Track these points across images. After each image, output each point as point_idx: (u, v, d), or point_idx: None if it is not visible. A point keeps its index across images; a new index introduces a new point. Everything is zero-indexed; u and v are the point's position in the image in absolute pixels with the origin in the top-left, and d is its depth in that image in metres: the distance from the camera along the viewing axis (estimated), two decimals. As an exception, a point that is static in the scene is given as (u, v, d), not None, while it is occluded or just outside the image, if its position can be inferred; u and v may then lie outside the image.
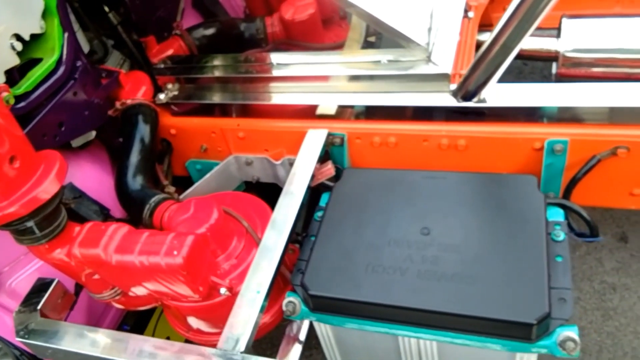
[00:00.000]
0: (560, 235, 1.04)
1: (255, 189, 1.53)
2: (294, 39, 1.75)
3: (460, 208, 1.08)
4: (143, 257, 1.03)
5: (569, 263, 0.99)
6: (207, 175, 1.43)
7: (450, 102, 1.20)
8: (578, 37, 1.55)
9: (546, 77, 2.30)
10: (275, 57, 1.40)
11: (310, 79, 1.35)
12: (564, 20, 1.57)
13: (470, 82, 1.14)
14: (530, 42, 1.70)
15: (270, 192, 1.33)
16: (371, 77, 1.28)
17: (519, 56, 1.75)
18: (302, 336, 1.19)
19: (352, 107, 1.33)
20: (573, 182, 1.15)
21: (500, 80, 1.22)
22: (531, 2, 0.97)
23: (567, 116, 1.15)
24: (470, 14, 1.49)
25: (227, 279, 1.12)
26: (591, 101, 1.12)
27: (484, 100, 1.18)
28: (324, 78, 1.34)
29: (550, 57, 1.60)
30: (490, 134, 1.19)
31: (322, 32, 1.74)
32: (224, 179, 1.48)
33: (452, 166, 1.25)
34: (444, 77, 1.19)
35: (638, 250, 1.72)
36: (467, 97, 1.17)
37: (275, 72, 1.38)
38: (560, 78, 1.61)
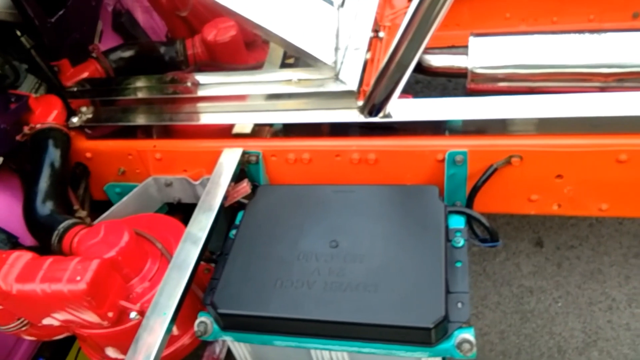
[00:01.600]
0: (460, 241, 1.09)
1: (182, 211, 1.52)
2: (217, 61, 1.77)
3: (367, 220, 1.11)
4: (45, 284, 1.00)
5: (467, 268, 1.04)
6: (125, 198, 1.41)
7: (358, 118, 1.24)
8: (485, 54, 1.64)
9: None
10: (192, 78, 1.41)
11: (226, 99, 1.37)
12: (472, 39, 1.66)
13: (374, 98, 1.18)
14: (442, 60, 1.79)
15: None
16: (283, 96, 1.31)
17: (435, 73, 1.84)
18: (222, 356, 1.19)
19: (269, 125, 1.35)
20: (474, 191, 1.21)
21: (417, 96, 1.29)
22: (418, 24, 1.02)
23: (466, 128, 1.21)
24: (381, 34, 1.55)
25: (140, 302, 1.11)
26: (487, 113, 1.19)
27: (389, 115, 1.23)
28: (240, 97, 1.36)
29: (462, 74, 1.69)
30: (397, 148, 1.23)
31: (244, 53, 1.77)
32: (144, 201, 1.46)
33: (364, 179, 1.29)
34: (350, 94, 1.24)
35: (552, 254, 1.81)
36: (373, 113, 1.22)
37: (191, 93, 1.38)
38: (471, 93, 1.70)
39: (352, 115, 1.25)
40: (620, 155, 1.12)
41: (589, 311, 1.64)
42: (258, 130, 1.36)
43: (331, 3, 1.27)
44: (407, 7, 1.80)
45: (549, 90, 1.62)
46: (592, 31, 1.57)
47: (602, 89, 1.56)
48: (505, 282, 1.77)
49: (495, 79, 1.63)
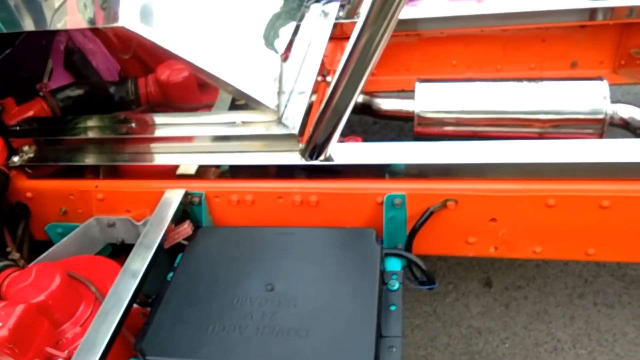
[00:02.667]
0: (396, 284, 1.10)
1: (126, 252, 1.49)
2: (170, 101, 1.78)
3: (304, 263, 1.11)
4: (-34, 331, 0.96)
5: (401, 312, 1.05)
6: (65, 239, 1.38)
7: (299, 161, 1.26)
8: (430, 99, 1.71)
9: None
10: (138, 118, 1.41)
11: (172, 140, 1.38)
12: (418, 84, 1.73)
13: (314, 141, 1.21)
14: (392, 104, 1.86)
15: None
16: (227, 138, 1.32)
17: (385, 116, 1.90)
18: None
19: (215, 166, 1.36)
20: (412, 234, 1.23)
21: (367, 140, 1.31)
22: (351, 70, 1.06)
23: (405, 172, 1.24)
24: (329, 78, 1.60)
25: (69, 349, 1.07)
26: (424, 158, 1.23)
27: (330, 159, 1.25)
28: (185, 139, 1.37)
29: (410, 117, 1.75)
30: (337, 190, 1.25)
31: (197, 94, 1.78)
32: (85, 242, 1.43)
33: (307, 221, 1.30)
34: (292, 137, 1.26)
35: (501, 294, 1.84)
36: (314, 156, 1.24)
37: (136, 133, 1.39)
38: (418, 136, 1.75)
39: (294, 158, 1.27)
40: (548, 200, 1.16)
41: (535, 352, 1.65)
42: (203, 172, 1.36)
43: (276, 50, 1.30)
44: (358, 52, 1.87)
45: (491, 134, 1.68)
46: (530, 79, 1.65)
47: (540, 135, 1.64)
48: (454, 322, 1.78)
49: (440, 123, 1.69)
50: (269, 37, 1.32)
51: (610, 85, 1.90)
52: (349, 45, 1.03)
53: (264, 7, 1.41)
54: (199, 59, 1.21)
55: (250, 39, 1.26)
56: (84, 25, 1.22)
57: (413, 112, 1.72)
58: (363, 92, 1.94)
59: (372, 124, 2.56)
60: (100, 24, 1.19)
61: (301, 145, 1.27)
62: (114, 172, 1.40)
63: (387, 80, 2.03)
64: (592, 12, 1.75)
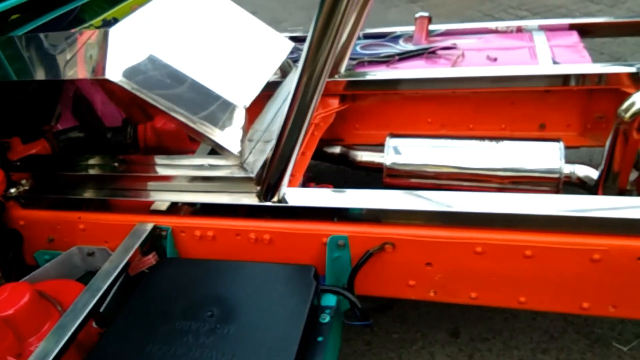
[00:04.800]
0: (326, 318, 1.19)
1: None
2: (164, 146, 1.97)
3: (246, 293, 1.22)
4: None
5: (325, 343, 1.13)
6: (47, 264, 1.53)
7: (254, 201, 1.39)
8: (398, 152, 1.84)
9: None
10: (122, 159, 1.58)
11: (149, 179, 1.53)
12: (388, 139, 1.86)
13: (266, 184, 1.34)
14: (366, 156, 1.99)
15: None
16: (197, 179, 1.47)
17: (360, 167, 2.03)
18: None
19: (187, 204, 1.50)
20: (353, 273, 1.33)
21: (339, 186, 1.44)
22: (292, 120, 1.20)
23: (349, 216, 1.35)
24: (300, 130, 1.75)
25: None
26: (366, 203, 1.34)
27: (284, 201, 1.38)
28: (161, 178, 1.53)
29: (381, 169, 1.88)
30: (287, 230, 1.37)
31: (187, 140, 1.97)
32: (66, 269, 1.57)
33: (261, 257, 1.41)
34: (250, 180, 1.40)
35: (466, 345, 1.87)
36: (267, 198, 1.37)
37: (119, 172, 1.55)
38: (387, 186, 1.87)
39: (252, 199, 1.40)
40: (476, 248, 1.25)
41: (493, 404, 1.67)
42: (177, 208, 1.51)
43: (244, 102, 1.46)
44: (339, 107, 2.04)
45: (454, 188, 1.79)
46: (492, 138, 1.76)
47: (499, 190, 1.73)
48: (417, 370, 1.81)
49: (406, 175, 1.81)
50: (239, 89, 1.49)
51: (577, 147, 2.00)
52: (289, 98, 1.17)
53: (238, 59, 1.60)
54: (173, 108, 1.38)
55: (221, 90, 1.43)
56: (75, 76, 1.40)
57: (382, 164, 1.85)
58: (341, 145, 2.10)
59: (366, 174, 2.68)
60: (87, 76, 1.38)
61: (258, 188, 1.40)
62: (98, 206, 1.56)
63: (369, 134, 2.18)
64: (556, 79, 1.87)
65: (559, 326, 1.88)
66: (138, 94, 1.37)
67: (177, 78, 1.42)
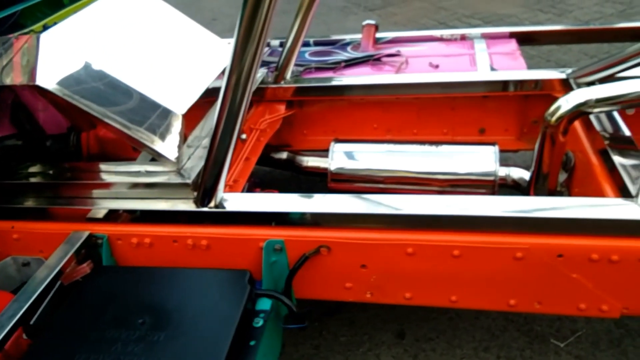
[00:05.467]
0: (260, 322, 1.19)
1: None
2: (106, 153, 1.94)
3: (180, 299, 1.22)
4: None
5: (257, 347, 1.14)
6: (-20, 276, 1.49)
7: (191, 207, 1.39)
8: (342, 157, 1.86)
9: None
10: (58, 166, 1.56)
11: (86, 186, 1.51)
12: (333, 144, 1.89)
13: (201, 191, 1.34)
14: (313, 161, 2.01)
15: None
16: (134, 185, 1.46)
17: (307, 172, 2.04)
18: None
19: (125, 211, 1.48)
20: (289, 277, 1.34)
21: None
22: (223, 124, 1.21)
23: (285, 220, 1.36)
24: (243, 136, 1.76)
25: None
26: (302, 207, 1.35)
27: (221, 206, 1.38)
28: (98, 185, 1.51)
29: (326, 173, 1.90)
30: (223, 235, 1.37)
31: (131, 148, 1.95)
32: (1, 280, 1.53)
33: (199, 263, 1.41)
34: (187, 186, 1.40)
35: (411, 345, 1.91)
36: (204, 204, 1.37)
37: (55, 179, 1.52)
38: (332, 191, 1.89)
39: (188, 204, 1.40)
40: (407, 249, 1.28)
41: (436, 402, 1.71)
42: (115, 216, 1.49)
43: (181, 109, 1.46)
44: (285, 113, 2.06)
45: (396, 191, 1.83)
46: (432, 143, 1.81)
47: (439, 193, 1.78)
48: (363, 372, 1.84)
49: (350, 179, 1.84)
50: (176, 95, 1.48)
51: (515, 151, 2.07)
52: (217, 105, 1.18)
53: (176, 65, 1.60)
54: (106, 115, 1.37)
55: (157, 97, 1.43)
56: (11, 82, 1.38)
57: (327, 169, 1.87)
58: (288, 150, 2.12)
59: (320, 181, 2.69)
60: (20, 82, 1.36)
61: (195, 194, 1.40)
62: (32, 215, 1.53)
63: (317, 140, 2.20)
64: (494, 85, 1.94)
65: (500, 325, 1.93)
66: (70, 100, 1.36)
67: (112, 84, 1.41)
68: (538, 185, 1.63)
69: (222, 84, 1.15)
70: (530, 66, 2.13)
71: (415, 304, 1.38)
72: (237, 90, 1.14)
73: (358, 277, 1.35)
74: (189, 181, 1.38)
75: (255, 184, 1.93)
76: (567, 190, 1.66)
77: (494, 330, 1.92)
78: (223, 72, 1.83)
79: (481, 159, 1.75)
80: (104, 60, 1.43)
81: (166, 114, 1.42)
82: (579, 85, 1.73)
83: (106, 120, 1.38)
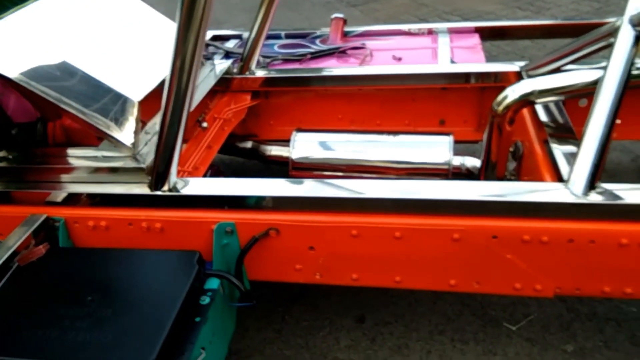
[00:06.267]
0: (206, 300, 1.24)
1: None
2: (73, 142, 1.97)
3: (128, 279, 1.26)
4: None
5: (203, 323, 1.19)
6: None
7: (145, 191, 1.43)
8: (304, 147, 1.91)
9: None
10: (21, 152, 1.59)
11: (47, 171, 1.55)
12: (294, 133, 1.94)
13: (154, 175, 1.39)
14: (276, 150, 2.06)
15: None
16: (93, 170, 1.50)
17: (270, 161, 2.09)
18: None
19: (81, 194, 1.52)
20: (240, 259, 1.39)
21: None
22: (171, 111, 1.25)
23: (236, 204, 1.41)
24: (205, 125, 1.80)
25: None
26: (252, 191, 1.40)
27: (175, 190, 1.43)
28: (59, 170, 1.54)
29: (289, 162, 1.95)
30: (176, 218, 1.42)
31: (95, 137, 1.98)
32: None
33: (154, 245, 1.45)
34: (142, 171, 1.44)
35: (370, 329, 1.96)
36: (157, 187, 1.41)
37: (15, 164, 1.56)
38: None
39: (143, 188, 1.44)
40: (352, 231, 1.33)
41: (390, 382, 1.77)
42: (73, 200, 1.53)
43: (137, 95, 1.50)
44: (249, 103, 2.10)
45: (355, 179, 1.87)
46: (390, 132, 1.86)
47: (396, 181, 1.83)
48: (322, 354, 1.89)
49: (310, 168, 1.89)
50: (134, 83, 1.52)
51: (475, 141, 2.13)
52: (164, 93, 1.23)
53: (136, 54, 1.63)
54: (61, 100, 1.41)
55: (114, 84, 1.47)
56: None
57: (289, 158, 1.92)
58: (253, 140, 2.16)
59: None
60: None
61: (150, 178, 1.44)
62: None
63: (284, 130, 2.25)
64: (452, 77, 2.00)
65: (457, 309, 2.00)
66: (26, 86, 1.39)
67: (69, 71, 1.45)
68: (488, 173, 1.69)
69: (168, 72, 1.20)
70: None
71: (361, 284, 1.43)
72: (182, 78, 1.18)
73: (307, 258, 1.40)
74: (144, 166, 1.42)
75: (219, 172, 1.98)
76: (516, 177, 1.72)
77: (450, 315, 1.98)
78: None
79: (436, 149, 1.81)
80: (62, 47, 1.47)
81: (123, 100, 1.46)
82: (530, 77, 1.79)
83: (62, 106, 1.42)
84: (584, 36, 1.57)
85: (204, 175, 1.78)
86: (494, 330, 1.90)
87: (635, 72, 1.33)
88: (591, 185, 1.21)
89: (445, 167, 1.79)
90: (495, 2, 5.14)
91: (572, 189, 1.22)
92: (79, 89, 1.45)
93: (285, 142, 2.18)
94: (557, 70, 1.69)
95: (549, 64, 1.73)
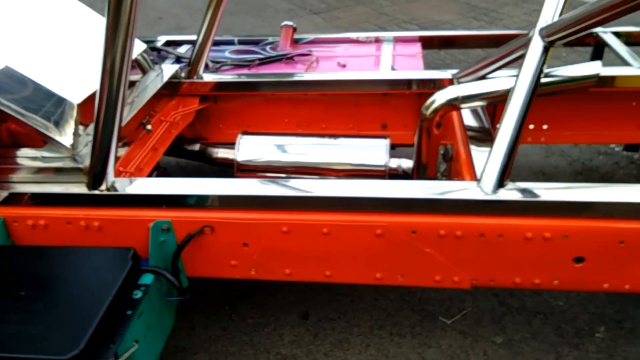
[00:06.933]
0: (139, 294, 1.29)
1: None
2: (19, 144, 1.99)
3: (64, 275, 1.30)
4: None
5: (135, 316, 1.24)
6: None
7: (84, 190, 1.47)
8: (249, 149, 1.98)
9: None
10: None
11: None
12: (240, 136, 2.00)
13: (92, 175, 1.43)
14: (222, 153, 2.12)
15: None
16: (35, 170, 1.53)
17: (218, 163, 2.14)
18: None
19: (21, 194, 1.54)
20: (175, 255, 1.44)
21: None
22: (103, 119, 1.30)
23: (172, 202, 1.46)
24: (149, 127, 1.85)
25: None
26: (186, 190, 1.45)
27: (113, 189, 1.47)
28: (3, 171, 1.56)
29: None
30: (115, 217, 1.46)
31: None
32: None
33: (93, 243, 1.49)
34: (80, 171, 1.48)
35: (313, 325, 2.03)
36: (95, 187, 1.45)
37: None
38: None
39: (81, 188, 1.48)
40: (283, 228, 1.40)
41: (329, 375, 1.84)
42: (13, 199, 1.55)
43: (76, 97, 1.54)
44: (197, 106, 2.15)
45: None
46: (330, 136, 1.95)
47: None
48: (265, 350, 1.95)
49: (254, 169, 1.95)
50: (74, 86, 1.57)
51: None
52: (97, 95, 1.28)
53: (78, 57, 1.67)
54: (3, 104, 1.44)
55: (53, 87, 1.51)
56: None
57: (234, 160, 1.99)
58: (201, 142, 2.22)
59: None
60: None
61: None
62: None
63: (233, 133, 2.29)
64: (391, 84, 2.10)
65: (397, 305, 2.09)
66: (-34, 88, 1.42)
67: (9, 75, 1.48)
68: (419, 174, 1.79)
69: (98, 75, 1.25)
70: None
71: (295, 279, 1.50)
72: (112, 80, 1.24)
73: (241, 255, 1.46)
74: (82, 166, 1.47)
75: (165, 173, 2.03)
76: (447, 177, 1.83)
77: (390, 310, 2.07)
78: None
79: (373, 152, 1.90)
80: (2, 51, 1.50)
81: (62, 103, 1.50)
82: (459, 84, 1.90)
83: (3, 109, 1.45)
84: (505, 45, 1.68)
85: (150, 176, 1.82)
86: (430, 324, 2.00)
87: (544, 80, 1.45)
88: (500, 184, 1.32)
89: (382, 168, 1.88)
90: (452, 12, 5.33)
91: (482, 187, 1.32)
92: (19, 92, 1.48)
93: (233, 144, 2.25)
94: (484, 77, 1.80)
95: (477, 71, 1.85)
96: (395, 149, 2.19)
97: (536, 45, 1.43)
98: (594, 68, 1.45)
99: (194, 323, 2.06)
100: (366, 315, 2.06)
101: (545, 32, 1.42)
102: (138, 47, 1.93)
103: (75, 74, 1.59)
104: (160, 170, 1.98)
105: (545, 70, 1.45)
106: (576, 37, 1.35)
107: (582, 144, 2.96)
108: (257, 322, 2.06)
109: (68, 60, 1.63)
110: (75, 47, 1.71)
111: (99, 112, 1.29)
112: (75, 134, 1.50)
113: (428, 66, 2.30)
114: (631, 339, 1.89)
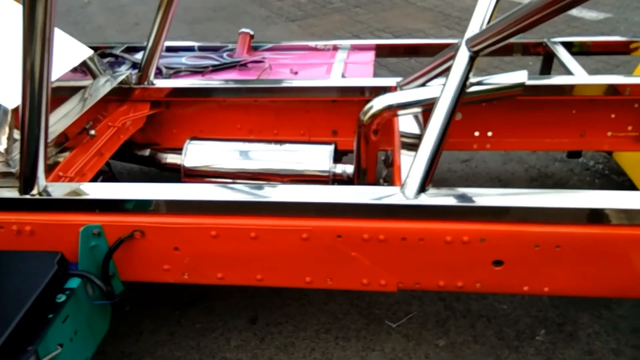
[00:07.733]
0: (62, 298, 1.30)
1: None
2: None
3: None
4: None
5: (58, 320, 1.24)
6: None
7: (15, 195, 1.48)
8: (196, 154, 1.99)
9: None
10: None
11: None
12: (187, 141, 2.02)
13: (22, 179, 1.44)
14: (171, 158, 2.13)
15: None
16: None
17: (166, 168, 2.16)
18: None
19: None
20: (106, 260, 1.45)
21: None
22: (28, 124, 1.31)
23: (104, 207, 1.47)
24: (92, 132, 1.86)
25: None
26: (117, 195, 1.47)
27: (44, 194, 1.48)
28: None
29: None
30: (45, 221, 1.47)
31: None
32: None
33: (26, 248, 1.49)
34: (12, 175, 1.49)
35: (261, 329, 2.04)
36: (26, 191, 1.46)
37: None
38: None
39: (13, 192, 1.49)
40: (212, 232, 1.42)
41: (271, 379, 1.85)
42: None
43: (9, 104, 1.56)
44: (147, 112, 2.16)
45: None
46: (276, 142, 1.97)
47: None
48: (211, 354, 1.96)
49: (201, 175, 1.97)
50: (9, 91, 1.58)
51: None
52: (21, 99, 1.29)
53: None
54: None
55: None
56: None
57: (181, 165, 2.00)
58: (151, 148, 2.23)
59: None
60: None
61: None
62: None
63: (185, 139, 2.32)
64: (340, 91, 2.13)
65: (345, 309, 2.11)
66: None
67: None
68: (360, 180, 1.82)
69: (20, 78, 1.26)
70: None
71: (226, 283, 1.52)
72: (34, 83, 1.25)
73: (173, 259, 1.48)
74: (14, 170, 1.47)
75: (112, 177, 2.04)
76: (389, 183, 1.85)
77: (337, 314, 2.09)
78: (72, 71, 1.94)
79: (317, 158, 1.93)
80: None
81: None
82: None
83: None
84: (440, 54, 1.72)
85: (94, 181, 1.83)
86: (376, 327, 2.02)
87: (471, 89, 1.48)
88: (422, 189, 1.35)
89: (326, 174, 1.91)
90: (425, 20, 5.40)
91: (405, 192, 1.35)
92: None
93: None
94: (424, 84, 1.84)
95: (418, 78, 1.88)
96: (347, 155, 2.22)
97: (462, 55, 1.47)
98: (520, 77, 1.49)
99: (143, 328, 2.06)
100: (314, 319, 2.07)
101: (471, 43, 1.46)
102: (85, 53, 1.94)
103: (9, 78, 1.60)
104: (108, 175, 1.99)
105: (474, 79, 1.49)
106: (498, 46, 1.39)
107: (539, 151, 3.01)
108: (205, 327, 2.07)
109: (2, 65, 1.64)
110: (10, 51, 1.71)
111: (24, 115, 1.31)
112: (10, 138, 1.51)
113: (398, 74, 2.34)
114: (570, 342, 1.92)
